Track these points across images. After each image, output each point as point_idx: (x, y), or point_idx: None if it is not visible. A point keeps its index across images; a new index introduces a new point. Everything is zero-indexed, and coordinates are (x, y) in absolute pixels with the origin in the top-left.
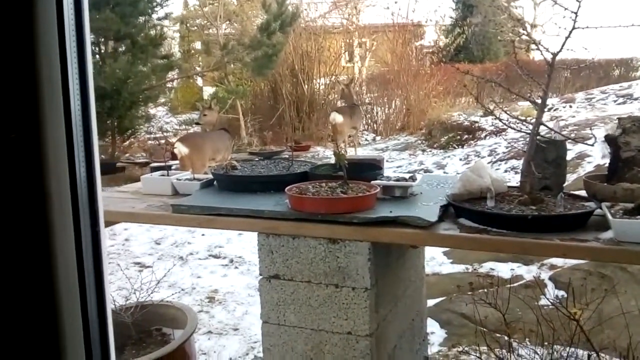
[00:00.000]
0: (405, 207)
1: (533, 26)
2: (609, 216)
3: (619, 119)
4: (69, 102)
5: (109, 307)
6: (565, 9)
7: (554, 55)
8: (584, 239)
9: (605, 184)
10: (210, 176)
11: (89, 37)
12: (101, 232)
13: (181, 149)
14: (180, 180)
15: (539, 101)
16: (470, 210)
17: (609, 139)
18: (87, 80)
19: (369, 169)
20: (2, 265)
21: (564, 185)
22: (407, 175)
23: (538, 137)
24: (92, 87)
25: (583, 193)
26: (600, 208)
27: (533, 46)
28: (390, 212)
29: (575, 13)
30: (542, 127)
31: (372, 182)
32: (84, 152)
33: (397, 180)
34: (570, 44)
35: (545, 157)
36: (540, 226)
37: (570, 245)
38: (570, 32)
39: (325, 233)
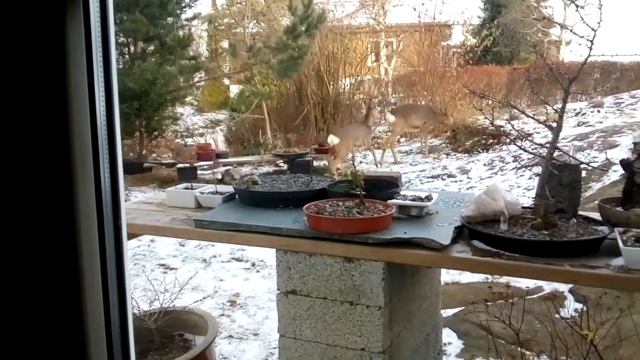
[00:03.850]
0: (420, 227)
1: (563, 27)
2: (620, 243)
3: (634, 143)
4: (99, 164)
5: (130, 319)
6: (582, 36)
7: (570, 81)
8: (595, 265)
9: (619, 208)
10: (231, 189)
11: (116, 97)
12: (124, 247)
13: (333, 140)
14: (203, 194)
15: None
16: (483, 234)
17: (624, 164)
18: (114, 127)
19: (386, 186)
20: (32, 279)
21: (578, 207)
22: (423, 194)
23: (553, 161)
24: (119, 136)
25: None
26: (614, 232)
27: (562, 46)
28: (405, 233)
29: (592, 41)
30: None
31: (389, 201)
32: (111, 189)
33: (414, 199)
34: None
35: (560, 180)
36: (552, 251)
37: (580, 272)
38: (586, 59)
39: (341, 252)
